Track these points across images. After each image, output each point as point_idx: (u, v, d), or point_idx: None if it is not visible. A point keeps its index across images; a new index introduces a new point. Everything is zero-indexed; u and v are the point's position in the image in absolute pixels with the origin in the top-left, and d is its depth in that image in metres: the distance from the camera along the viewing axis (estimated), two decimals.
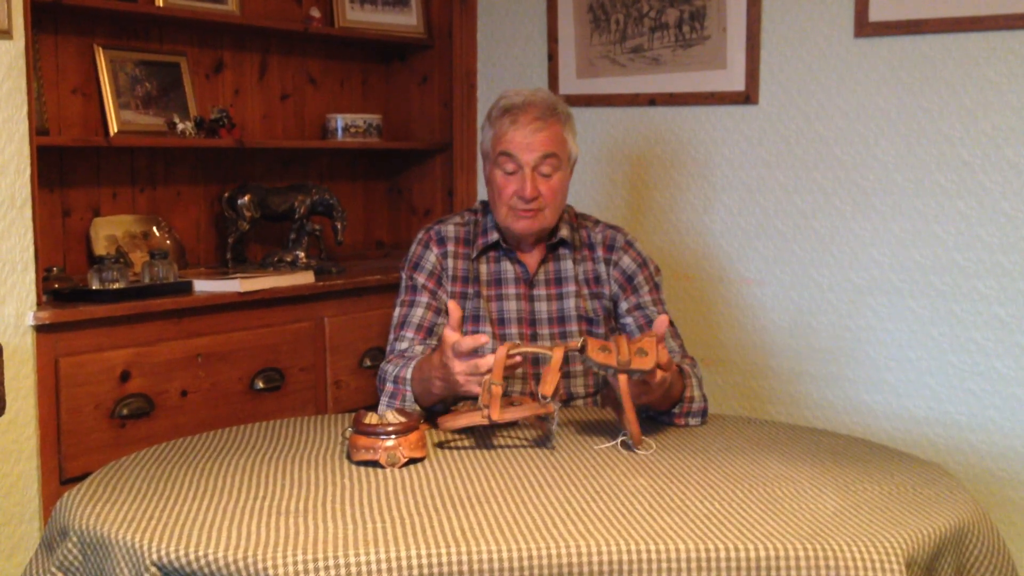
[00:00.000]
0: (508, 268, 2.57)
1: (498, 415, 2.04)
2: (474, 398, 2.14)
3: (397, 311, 2.56)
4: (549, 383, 2.07)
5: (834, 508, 1.79)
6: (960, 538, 1.78)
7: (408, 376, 2.32)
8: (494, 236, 2.56)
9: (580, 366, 2.51)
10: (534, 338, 2.53)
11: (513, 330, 2.53)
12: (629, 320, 2.54)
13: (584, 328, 2.53)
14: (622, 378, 2.05)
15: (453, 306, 2.18)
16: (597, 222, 2.65)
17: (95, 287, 2.64)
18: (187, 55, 3.26)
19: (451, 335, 2.13)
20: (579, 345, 2.11)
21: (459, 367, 2.12)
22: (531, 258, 2.58)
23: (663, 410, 2.29)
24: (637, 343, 2.08)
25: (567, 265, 2.57)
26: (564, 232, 2.57)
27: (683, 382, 2.29)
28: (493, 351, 2.12)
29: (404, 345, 2.49)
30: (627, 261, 2.57)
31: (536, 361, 2.50)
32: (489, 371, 2.08)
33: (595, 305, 2.55)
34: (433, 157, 3.85)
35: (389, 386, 2.36)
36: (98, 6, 2.90)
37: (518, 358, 2.12)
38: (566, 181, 2.54)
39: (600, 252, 2.59)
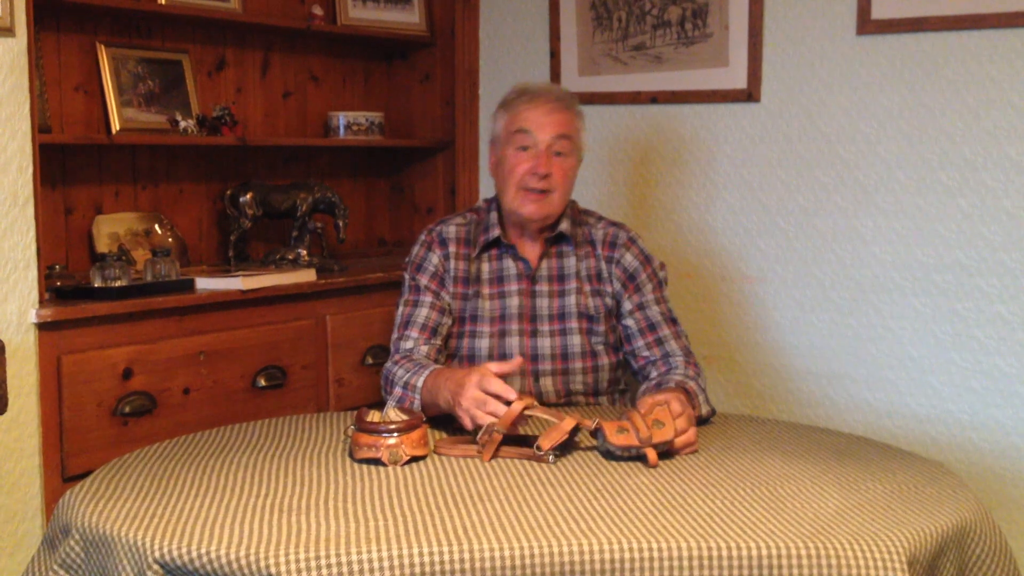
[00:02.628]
0: (510, 265, 2.57)
1: (488, 458, 2.03)
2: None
3: (401, 309, 2.56)
4: (550, 439, 2.02)
5: (836, 507, 1.79)
6: (962, 537, 1.77)
7: (419, 384, 2.31)
8: (495, 232, 2.56)
9: (579, 362, 2.51)
10: (534, 334, 2.52)
11: (513, 326, 2.52)
12: (631, 322, 2.53)
13: (584, 325, 2.53)
14: (651, 453, 2.01)
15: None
16: (600, 219, 2.65)
17: (97, 285, 2.64)
18: (189, 53, 3.26)
19: (493, 366, 2.16)
20: (593, 426, 2.06)
21: (471, 394, 2.11)
22: (532, 253, 2.57)
23: None
24: (651, 416, 2.04)
25: (570, 262, 2.57)
26: (564, 226, 2.56)
27: (692, 403, 2.27)
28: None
29: (409, 345, 2.48)
30: (629, 259, 2.57)
31: (535, 358, 2.50)
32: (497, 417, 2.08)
33: (596, 302, 2.55)
34: (435, 155, 3.85)
35: (398, 391, 2.35)
36: (100, 3, 2.90)
37: (527, 415, 2.09)
38: (575, 170, 2.56)
39: (601, 250, 2.58)
